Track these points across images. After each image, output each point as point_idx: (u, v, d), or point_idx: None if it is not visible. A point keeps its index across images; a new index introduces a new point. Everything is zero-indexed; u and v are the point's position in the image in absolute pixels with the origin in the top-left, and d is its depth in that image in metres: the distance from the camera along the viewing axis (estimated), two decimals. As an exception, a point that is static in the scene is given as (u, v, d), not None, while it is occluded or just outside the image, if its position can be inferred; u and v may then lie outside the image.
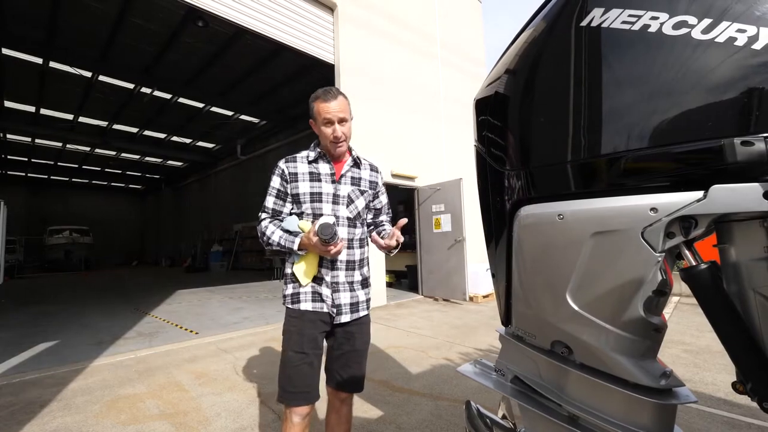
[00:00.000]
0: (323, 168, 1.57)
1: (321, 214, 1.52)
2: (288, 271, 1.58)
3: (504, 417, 1.13)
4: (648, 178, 0.69)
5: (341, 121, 1.51)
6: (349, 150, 1.64)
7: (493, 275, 1.05)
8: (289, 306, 1.54)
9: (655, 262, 0.66)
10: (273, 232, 1.53)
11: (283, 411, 1.55)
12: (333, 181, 1.57)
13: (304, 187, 1.54)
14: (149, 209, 28.59)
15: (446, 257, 7.04)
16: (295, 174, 1.55)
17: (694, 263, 0.66)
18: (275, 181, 1.58)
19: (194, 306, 7.20)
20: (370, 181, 1.68)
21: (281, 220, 1.58)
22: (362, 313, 1.60)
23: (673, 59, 0.63)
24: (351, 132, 1.58)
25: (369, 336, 1.65)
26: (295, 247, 1.47)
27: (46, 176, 22.70)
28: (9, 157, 17.96)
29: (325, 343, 1.59)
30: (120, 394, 2.91)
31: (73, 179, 23.96)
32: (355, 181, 1.62)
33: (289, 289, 1.57)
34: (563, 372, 0.86)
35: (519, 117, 0.88)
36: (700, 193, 0.60)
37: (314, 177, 1.56)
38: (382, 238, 1.62)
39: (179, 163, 20.88)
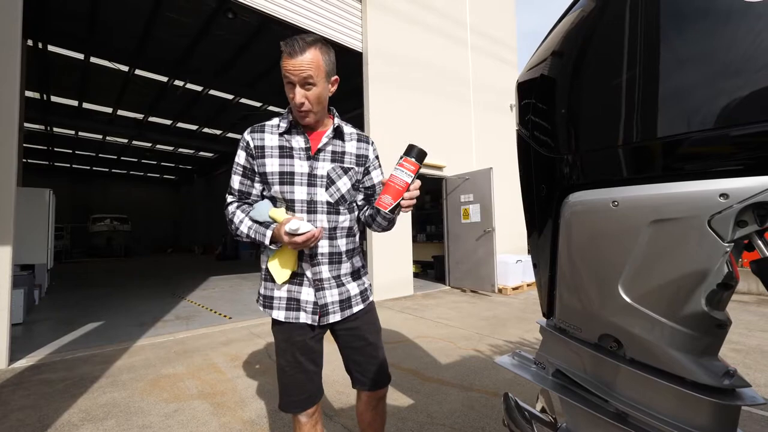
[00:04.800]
0: (296, 141, 1.28)
1: (293, 199, 1.26)
2: (263, 265, 1.34)
3: (543, 410, 1.11)
4: (717, 161, 0.63)
5: (305, 83, 1.18)
6: (332, 117, 1.34)
7: (535, 265, 1.02)
8: (262, 310, 1.35)
9: (722, 253, 0.61)
10: (241, 221, 1.28)
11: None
12: (308, 157, 1.27)
13: (272, 165, 1.26)
14: (183, 199, 29.71)
15: (474, 248, 6.93)
16: (262, 148, 1.27)
17: (768, 254, 0.61)
18: (240, 156, 1.30)
19: (227, 292, 7.47)
20: (358, 156, 1.36)
21: (251, 204, 1.33)
22: (357, 309, 1.36)
23: (749, 28, 0.57)
24: (324, 98, 1.25)
25: (378, 323, 1.45)
26: (267, 242, 1.23)
27: (88, 167, 24.06)
28: (56, 149, 19.10)
29: (330, 336, 1.42)
30: (162, 373, 3.07)
31: (113, 170, 25.26)
32: (337, 157, 1.31)
33: (263, 289, 1.35)
34: (611, 367, 0.83)
35: (569, 99, 0.83)
36: (781, 177, 0.55)
37: (285, 152, 1.27)
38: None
39: (210, 154, 21.51)
